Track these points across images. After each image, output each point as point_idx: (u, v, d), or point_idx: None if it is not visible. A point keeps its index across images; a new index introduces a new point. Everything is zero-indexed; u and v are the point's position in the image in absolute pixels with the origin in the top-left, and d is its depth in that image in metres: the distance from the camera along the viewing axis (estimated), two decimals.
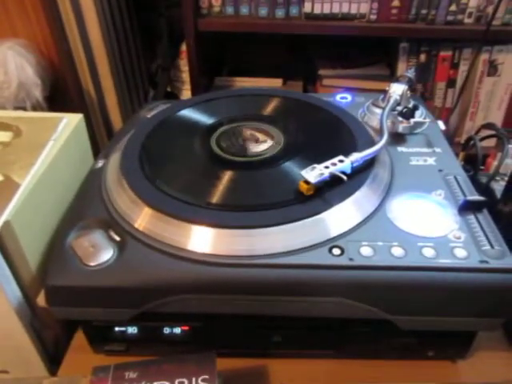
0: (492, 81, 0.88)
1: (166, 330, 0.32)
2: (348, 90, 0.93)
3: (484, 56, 0.85)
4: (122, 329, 0.32)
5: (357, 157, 0.32)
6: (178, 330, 0.32)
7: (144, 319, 0.30)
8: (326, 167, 0.30)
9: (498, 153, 0.47)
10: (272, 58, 1.00)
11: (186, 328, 0.32)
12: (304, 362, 0.34)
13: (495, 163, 0.46)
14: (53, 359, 0.35)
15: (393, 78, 0.86)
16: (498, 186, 0.44)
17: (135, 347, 0.33)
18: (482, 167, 0.49)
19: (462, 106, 0.92)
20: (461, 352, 0.33)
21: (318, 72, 0.96)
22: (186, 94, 1.01)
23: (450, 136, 0.94)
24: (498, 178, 0.45)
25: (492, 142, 0.50)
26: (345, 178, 0.30)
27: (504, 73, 0.87)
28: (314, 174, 0.30)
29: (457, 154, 0.49)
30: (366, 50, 0.97)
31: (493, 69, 0.87)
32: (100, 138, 1.02)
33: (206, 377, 0.27)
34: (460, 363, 0.34)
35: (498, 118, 0.92)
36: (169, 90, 1.06)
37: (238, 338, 0.33)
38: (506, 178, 0.41)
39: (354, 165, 0.32)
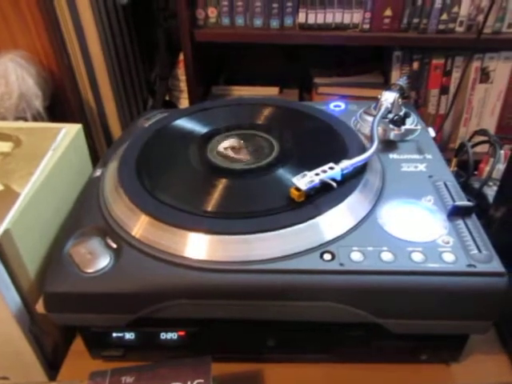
0: (484, 88, 0.90)
1: (163, 336, 0.33)
2: (343, 97, 0.94)
3: (476, 63, 0.87)
4: (120, 334, 0.33)
5: (347, 164, 0.33)
6: (174, 336, 0.33)
7: (141, 325, 0.31)
8: (317, 174, 0.31)
9: (490, 158, 0.48)
10: (268, 67, 1.02)
11: (182, 333, 0.33)
12: (298, 366, 0.34)
13: (488, 169, 0.47)
14: (52, 365, 0.36)
15: (387, 85, 0.87)
16: (491, 191, 0.45)
17: (132, 353, 0.34)
18: (476, 172, 0.50)
19: (455, 113, 0.93)
20: (454, 355, 0.34)
21: (314, 80, 0.98)
22: (184, 102, 1.03)
23: (444, 142, 0.96)
24: (490, 184, 0.46)
25: (485, 148, 0.51)
26: (334, 184, 0.31)
27: (496, 80, 0.88)
28: (305, 180, 0.31)
29: (450, 160, 0.50)
30: (361, 59, 0.99)
31: (485, 76, 0.88)
32: (100, 147, 1.04)
33: (201, 381, 0.27)
34: (454, 366, 0.34)
35: (491, 124, 0.93)
36: (167, 98, 1.07)
37: (234, 342, 0.33)
38: (498, 183, 0.42)
39: (345, 172, 0.33)
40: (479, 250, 0.29)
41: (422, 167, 0.37)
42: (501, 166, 0.46)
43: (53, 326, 0.35)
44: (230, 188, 0.34)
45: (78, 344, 0.35)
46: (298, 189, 0.31)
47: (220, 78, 1.07)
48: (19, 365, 0.35)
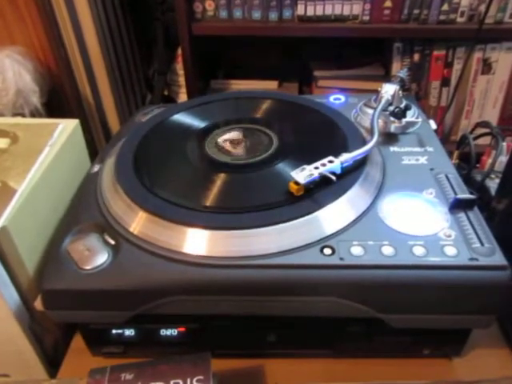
0: (486, 79, 0.89)
1: (163, 332, 0.33)
2: (343, 90, 0.93)
3: (477, 54, 0.86)
4: (119, 331, 0.33)
5: (346, 157, 0.32)
6: (174, 332, 0.32)
7: (141, 321, 0.31)
8: (316, 168, 0.31)
9: (492, 151, 0.48)
10: (267, 60, 1.01)
11: (182, 329, 0.32)
12: (299, 362, 0.34)
13: (490, 161, 0.47)
14: (52, 362, 0.35)
15: (387, 77, 0.86)
16: (493, 184, 0.44)
17: (132, 349, 0.34)
18: (477, 165, 0.50)
19: (457, 105, 0.92)
20: (456, 349, 0.34)
21: (313, 73, 0.97)
22: (183, 97, 1.02)
23: (446, 134, 0.95)
24: (492, 176, 0.45)
25: (487, 140, 0.51)
26: (334, 178, 0.31)
27: (498, 71, 0.87)
28: (304, 174, 0.30)
29: (452, 153, 0.49)
30: (361, 51, 0.98)
31: (487, 67, 0.87)
32: (98, 142, 1.03)
33: (201, 377, 0.27)
34: (456, 360, 0.34)
35: (493, 115, 0.92)
36: (166, 93, 1.07)
37: (234, 338, 0.33)
38: (501, 176, 0.42)
39: (344, 165, 0.32)
40: (481, 243, 0.29)
41: (423, 160, 0.37)
42: (503, 158, 0.46)
43: (53, 324, 0.35)
44: (229, 183, 0.34)
45: (78, 341, 0.35)
46: (296, 183, 0.30)
47: (219, 72, 1.06)
48: (19, 362, 0.35)
